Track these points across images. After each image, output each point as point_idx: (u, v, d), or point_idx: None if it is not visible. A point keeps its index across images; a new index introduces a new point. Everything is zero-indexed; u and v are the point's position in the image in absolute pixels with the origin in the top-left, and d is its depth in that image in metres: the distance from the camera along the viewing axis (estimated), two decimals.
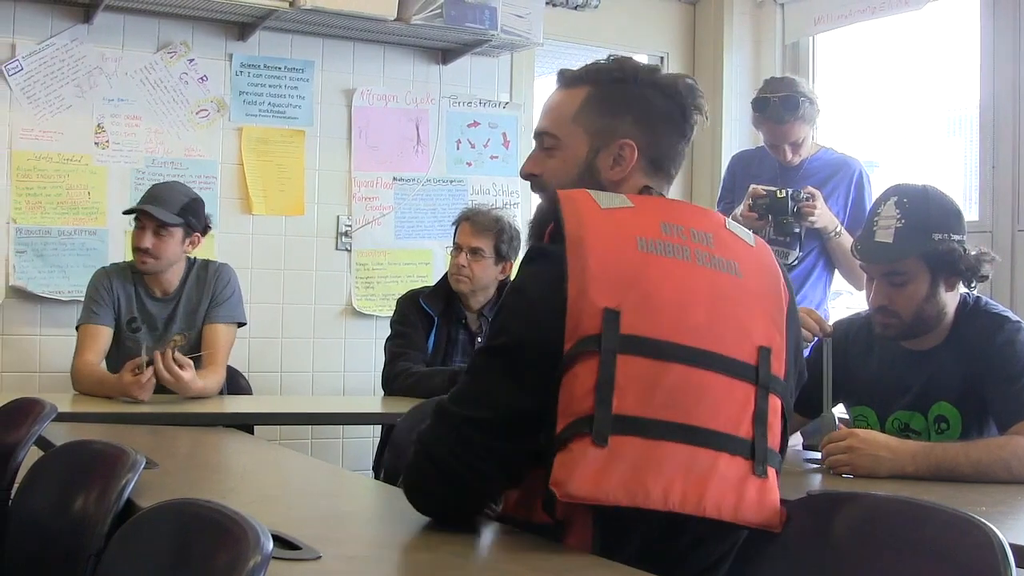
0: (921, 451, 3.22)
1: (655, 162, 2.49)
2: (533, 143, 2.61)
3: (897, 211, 3.46)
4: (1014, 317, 3.48)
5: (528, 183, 2.61)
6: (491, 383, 2.24)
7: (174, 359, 4.47)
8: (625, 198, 2.35)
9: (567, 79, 2.56)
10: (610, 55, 2.58)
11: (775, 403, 2.28)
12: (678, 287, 2.22)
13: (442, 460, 2.23)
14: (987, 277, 3.50)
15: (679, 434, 2.14)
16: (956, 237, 3.43)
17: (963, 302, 3.52)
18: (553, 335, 2.16)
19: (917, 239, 3.42)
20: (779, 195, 5.06)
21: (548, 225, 2.35)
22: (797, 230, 5.11)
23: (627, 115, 2.47)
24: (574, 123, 2.49)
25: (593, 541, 2.15)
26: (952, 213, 3.49)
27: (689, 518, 2.15)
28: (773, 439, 2.26)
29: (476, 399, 2.24)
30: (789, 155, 5.31)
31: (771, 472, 2.24)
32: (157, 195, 5.02)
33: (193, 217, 5.01)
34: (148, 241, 4.91)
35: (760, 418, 2.24)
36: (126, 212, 5.02)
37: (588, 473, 2.08)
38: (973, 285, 3.52)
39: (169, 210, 4.93)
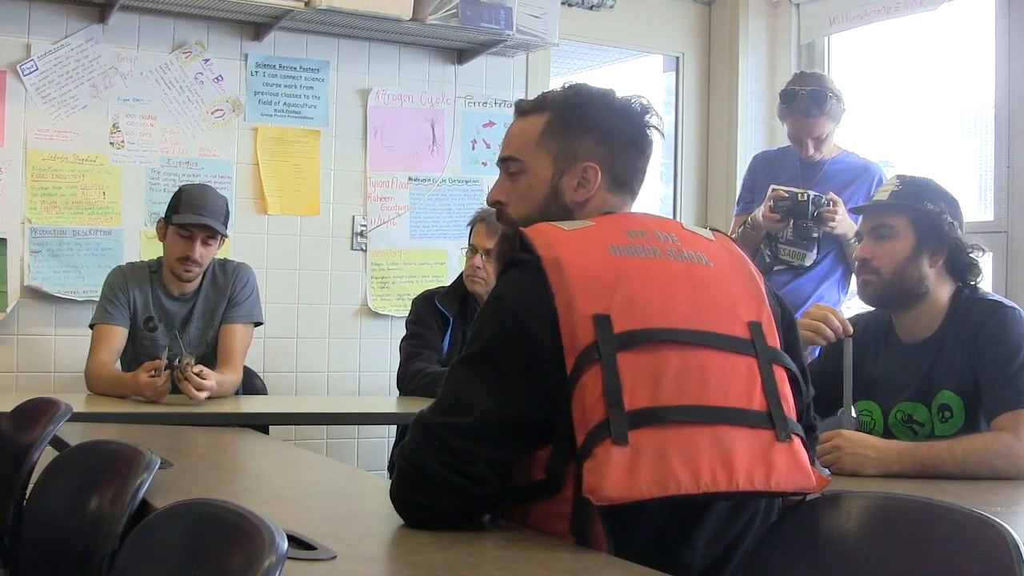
0: (907, 451, 3.29)
1: (617, 180, 2.56)
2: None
3: (898, 181, 3.63)
4: (1008, 302, 3.53)
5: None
6: (469, 390, 2.26)
7: (196, 374, 4.47)
8: (585, 221, 2.43)
9: (525, 108, 2.65)
10: (564, 83, 2.67)
11: (781, 373, 2.33)
12: (659, 282, 2.28)
13: (430, 470, 2.23)
14: (978, 267, 3.58)
15: (695, 415, 2.18)
16: (948, 217, 3.52)
17: (959, 292, 3.57)
18: (538, 339, 2.21)
19: (910, 201, 3.54)
20: (800, 198, 5.07)
21: (513, 249, 2.41)
22: (816, 235, 5.11)
23: (587, 137, 2.54)
24: (538, 147, 2.57)
25: (607, 542, 2.14)
26: (948, 197, 3.60)
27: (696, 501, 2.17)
28: (788, 408, 2.29)
29: (454, 406, 2.26)
30: (811, 150, 5.32)
31: (796, 438, 2.27)
32: (204, 204, 5.00)
33: (228, 221, 5.08)
34: (198, 252, 4.93)
35: (770, 388, 2.28)
36: (182, 225, 4.94)
37: (617, 473, 2.09)
38: (971, 281, 3.58)
39: (217, 219, 4.96)
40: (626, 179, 2.57)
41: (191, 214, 4.93)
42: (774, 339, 2.36)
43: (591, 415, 2.13)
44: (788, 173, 5.42)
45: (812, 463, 2.31)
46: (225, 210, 5.06)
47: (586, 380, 2.14)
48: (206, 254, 4.97)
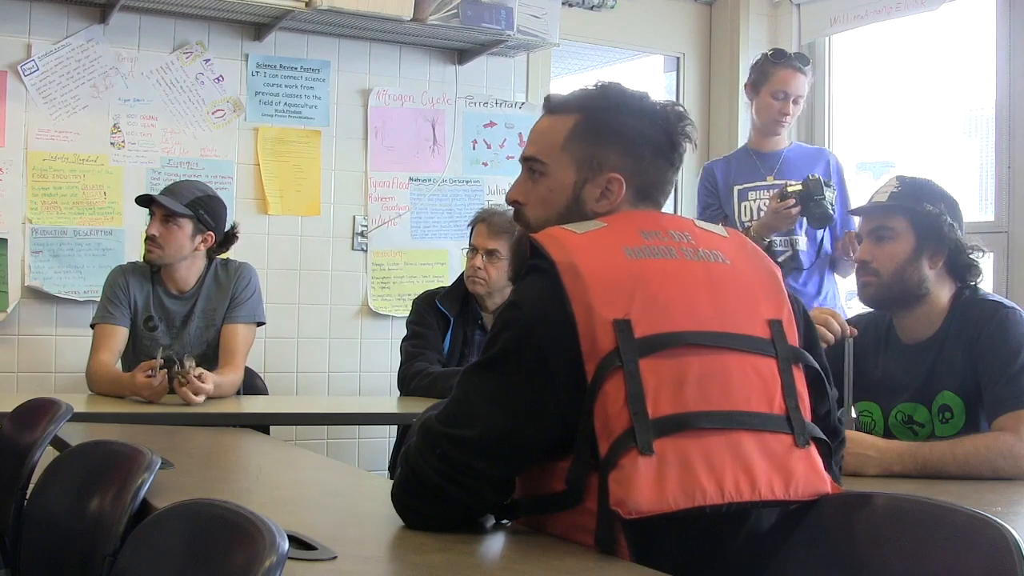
0: (908, 451, 3.29)
1: (642, 192, 2.48)
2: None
3: (897, 182, 3.63)
4: (1009, 303, 3.54)
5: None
6: (475, 399, 2.24)
7: (197, 377, 4.44)
8: (596, 221, 2.38)
9: (554, 105, 2.56)
10: (597, 81, 2.57)
11: (799, 374, 2.31)
12: (677, 283, 2.25)
13: (428, 480, 2.23)
14: (978, 267, 3.58)
15: (718, 421, 2.16)
16: (948, 218, 3.52)
17: (959, 292, 3.57)
18: (554, 348, 2.17)
19: (909, 202, 3.54)
20: (811, 178, 5.05)
21: (526, 255, 2.36)
22: (833, 210, 5.05)
23: (615, 144, 2.46)
24: (563, 151, 2.49)
25: (629, 555, 2.11)
26: (948, 197, 3.60)
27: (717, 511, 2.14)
28: (805, 411, 2.28)
29: (459, 416, 2.24)
30: (789, 109, 5.33)
31: (812, 443, 2.26)
32: (170, 188, 5.08)
33: (205, 213, 5.01)
34: (155, 229, 4.93)
35: (789, 390, 2.27)
36: (137, 200, 5.07)
37: (645, 485, 2.06)
38: (971, 282, 3.58)
39: (179, 201, 4.94)
40: (651, 191, 2.49)
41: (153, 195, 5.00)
42: (794, 336, 2.34)
43: (615, 424, 2.10)
44: (747, 171, 5.44)
45: (828, 468, 2.29)
46: (198, 197, 5.02)
47: (608, 388, 2.12)
48: (167, 235, 4.94)
